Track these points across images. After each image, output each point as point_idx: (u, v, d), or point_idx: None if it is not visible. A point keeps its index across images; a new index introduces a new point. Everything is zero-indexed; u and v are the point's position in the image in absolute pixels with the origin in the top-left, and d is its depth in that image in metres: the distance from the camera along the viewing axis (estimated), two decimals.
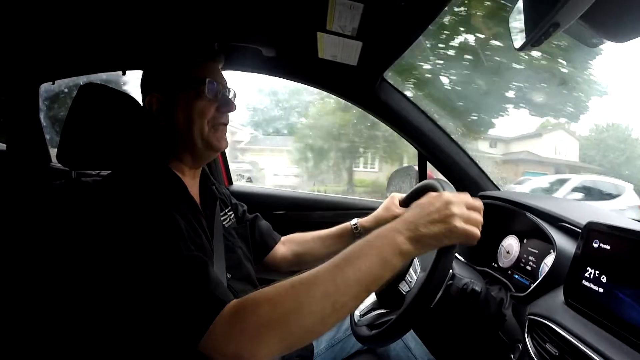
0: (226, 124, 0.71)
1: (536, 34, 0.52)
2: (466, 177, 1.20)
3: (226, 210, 0.80)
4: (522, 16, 0.54)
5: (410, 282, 0.69)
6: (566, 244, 0.71)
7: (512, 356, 0.68)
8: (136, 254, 0.51)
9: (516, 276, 0.85)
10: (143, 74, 0.72)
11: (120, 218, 0.53)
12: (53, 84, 1.28)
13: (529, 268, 0.83)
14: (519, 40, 0.56)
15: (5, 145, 1.35)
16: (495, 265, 0.93)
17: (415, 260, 0.71)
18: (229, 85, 0.73)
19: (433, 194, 0.55)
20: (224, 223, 0.75)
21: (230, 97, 0.71)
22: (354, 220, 0.93)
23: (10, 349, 0.69)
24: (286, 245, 0.96)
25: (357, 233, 0.90)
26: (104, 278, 0.58)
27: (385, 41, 0.85)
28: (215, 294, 0.48)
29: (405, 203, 0.89)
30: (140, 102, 0.73)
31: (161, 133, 0.68)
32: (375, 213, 0.90)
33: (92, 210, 0.57)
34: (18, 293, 0.71)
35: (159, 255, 0.50)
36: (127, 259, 0.51)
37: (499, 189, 1.21)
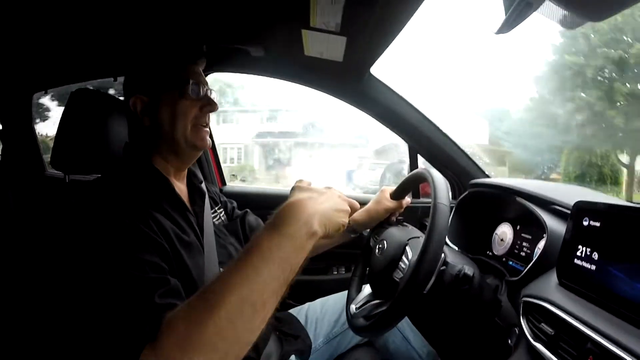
0: (207, 124, 0.72)
1: (511, 16, 0.53)
2: (457, 166, 1.22)
3: (216, 208, 0.80)
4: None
5: (404, 268, 0.68)
6: (557, 225, 0.71)
7: (509, 340, 0.68)
8: (90, 262, 0.49)
9: (511, 262, 0.85)
10: (126, 76, 0.72)
11: (89, 225, 0.52)
12: (46, 93, 1.29)
13: (523, 254, 0.83)
14: (495, 24, 0.57)
15: None
16: (490, 253, 0.93)
17: (408, 248, 0.71)
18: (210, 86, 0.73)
19: (321, 187, 0.56)
20: (214, 220, 0.75)
21: (212, 97, 0.72)
22: None
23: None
24: None
25: (350, 227, 0.90)
26: (64, 283, 0.57)
27: (369, 35, 0.85)
28: (145, 321, 0.44)
29: (396, 196, 0.89)
30: None
31: (146, 134, 0.68)
32: (367, 207, 0.90)
33: (69, 215, 0.56)
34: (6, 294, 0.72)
35: (108, 268, 0.48)
36: (83, 264, 0.50)
37: (488, 177, 1.22)
